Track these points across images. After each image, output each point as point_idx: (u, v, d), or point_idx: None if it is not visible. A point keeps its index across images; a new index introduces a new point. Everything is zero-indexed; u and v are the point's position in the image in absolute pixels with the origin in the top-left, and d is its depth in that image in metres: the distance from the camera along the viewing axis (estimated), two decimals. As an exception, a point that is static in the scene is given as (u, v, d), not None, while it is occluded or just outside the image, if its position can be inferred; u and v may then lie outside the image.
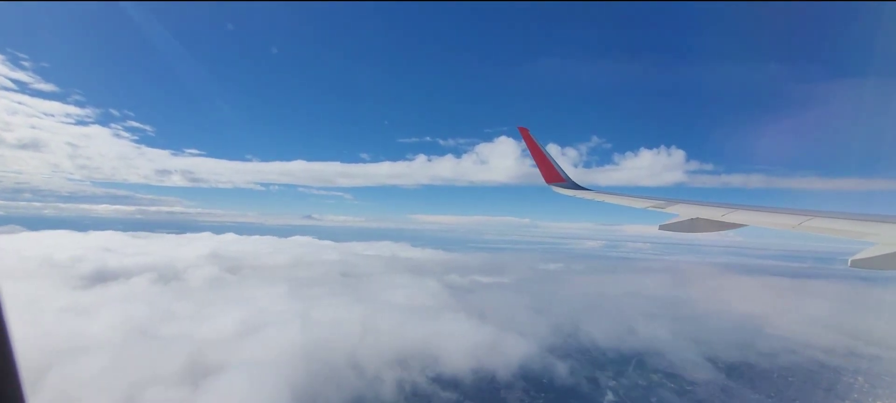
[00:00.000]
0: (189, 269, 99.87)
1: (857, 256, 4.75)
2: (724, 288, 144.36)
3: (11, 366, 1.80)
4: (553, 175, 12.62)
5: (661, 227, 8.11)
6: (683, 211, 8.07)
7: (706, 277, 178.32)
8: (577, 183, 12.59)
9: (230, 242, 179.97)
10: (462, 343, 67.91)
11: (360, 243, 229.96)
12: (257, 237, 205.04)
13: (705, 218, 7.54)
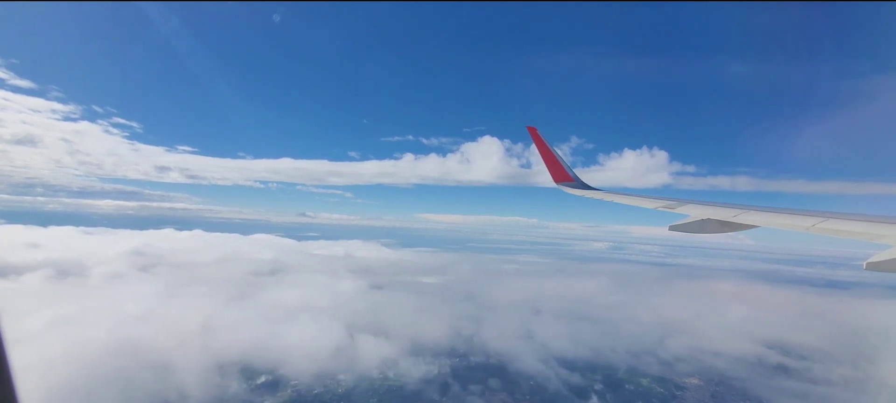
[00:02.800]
0: (97, 266, 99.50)
1: (873, 259, 4.70)
2: (679, 293, 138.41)
3: (4, 365, 1.89)
4: (561, 174, 12.74)
5: (672, 228, 8.09)
6: (694, 212, 8.02)
7: (672, 281, 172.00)
8: (586, 183, 12.59)
9: (183, 239, 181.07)
10: (318, 346, 65.23)
11: (324, 241, 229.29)
12: (219, 233, 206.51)
13: (716, 218, 7.45)
